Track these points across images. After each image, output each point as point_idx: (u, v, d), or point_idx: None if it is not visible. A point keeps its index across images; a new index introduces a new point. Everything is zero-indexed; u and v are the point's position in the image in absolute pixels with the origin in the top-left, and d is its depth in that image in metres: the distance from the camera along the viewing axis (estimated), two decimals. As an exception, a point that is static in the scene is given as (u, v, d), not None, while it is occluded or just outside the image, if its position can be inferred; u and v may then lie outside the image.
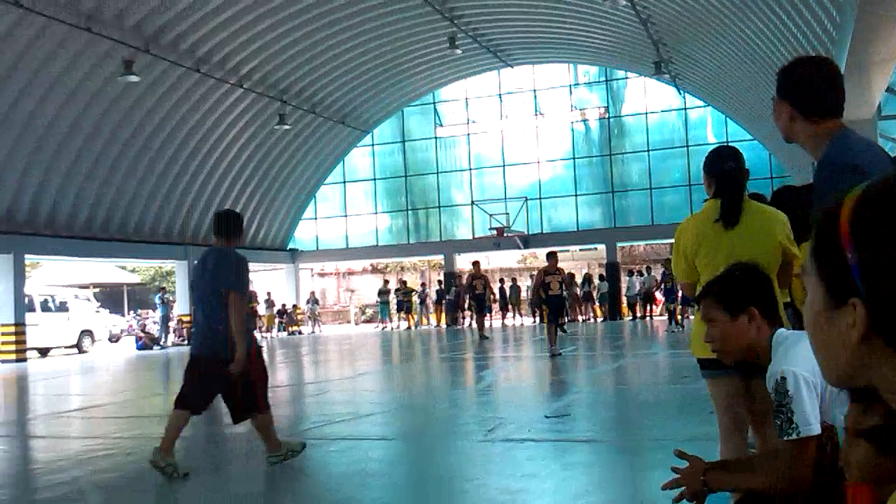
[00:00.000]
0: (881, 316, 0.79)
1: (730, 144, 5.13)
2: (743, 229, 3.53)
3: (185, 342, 23.31)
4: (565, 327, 14.94)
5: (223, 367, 5.89)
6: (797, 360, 2.36)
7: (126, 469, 6.52)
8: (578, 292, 29.92)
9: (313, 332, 33.15)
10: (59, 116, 21.81)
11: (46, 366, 20.55)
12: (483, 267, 23.63)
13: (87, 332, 26.06)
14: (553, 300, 14.53)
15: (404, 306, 32.87)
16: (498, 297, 30.62)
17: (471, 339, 22.78)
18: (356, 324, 38.13)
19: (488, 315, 21.72)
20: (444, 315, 32.58)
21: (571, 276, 27.48)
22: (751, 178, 3.87)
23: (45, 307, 24.98)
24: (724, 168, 3.62)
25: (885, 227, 0.79)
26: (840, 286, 0.82)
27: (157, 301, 28.60)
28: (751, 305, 2.57)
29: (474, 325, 24.83)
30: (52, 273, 37.47)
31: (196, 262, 6.43)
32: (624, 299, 30.67)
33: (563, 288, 14.73)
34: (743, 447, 3.61)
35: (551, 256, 14.92)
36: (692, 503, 2.45)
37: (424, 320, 33.67)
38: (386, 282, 35.00)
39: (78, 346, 25.62)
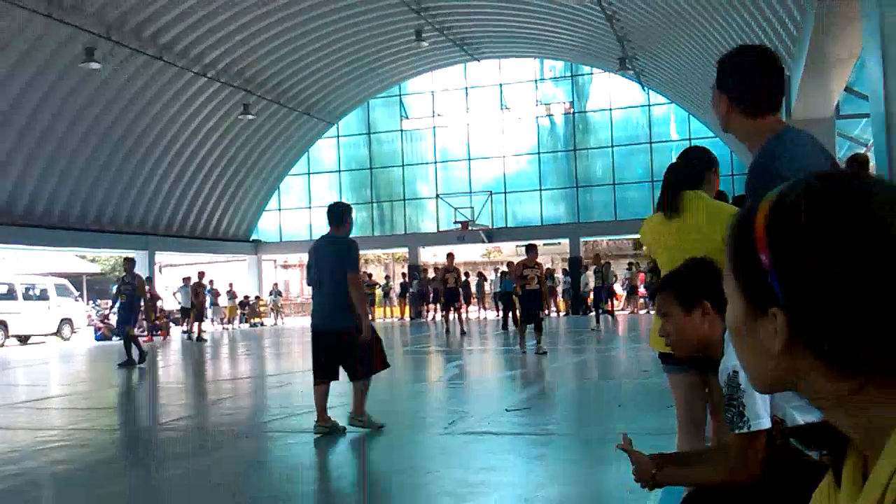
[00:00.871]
0: (802, 324, 0.77)
1: (698, 145, 5.25)
2: (689, 223, 3.62)
3: (145, 332, 23.07)
4: (542, 322, 14.61)
5: (345, 336, 6.82)
6: (750, 355, 2.37)
7: (81, 461, 6.43)
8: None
9: (276, 323, 32.94)
10: (17, 104, 21.40)
11: (2, 355, 20.18)
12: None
13: (66, 321, 26.17)
14: (529, 295, 14.09)
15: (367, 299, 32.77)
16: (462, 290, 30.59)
17: (435, 332, 22.78)
18: (319, 316, 37.91)
19: (454, 308, 21.56)
20: (408, 308, 32.55)
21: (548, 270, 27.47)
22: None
23: (26, 296, 24.86)
24: (672, 163, 3.94)
25: (801, 233, 0.76)
26: (759, 295, 0.80)
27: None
28: (705, 299, 2.59)
29: (438, 318, 24.74)
30: (9, 262, 36.86)
31: (313, 248, 7.20)
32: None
33: (540, 283, 14.42)
34: (700, 440, 3.65)
35: (531, 249, 14.48)
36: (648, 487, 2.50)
37: (388, 312, 33.60)
38: (356, 273, 34.87)
39: (58, 334, 25.74)
